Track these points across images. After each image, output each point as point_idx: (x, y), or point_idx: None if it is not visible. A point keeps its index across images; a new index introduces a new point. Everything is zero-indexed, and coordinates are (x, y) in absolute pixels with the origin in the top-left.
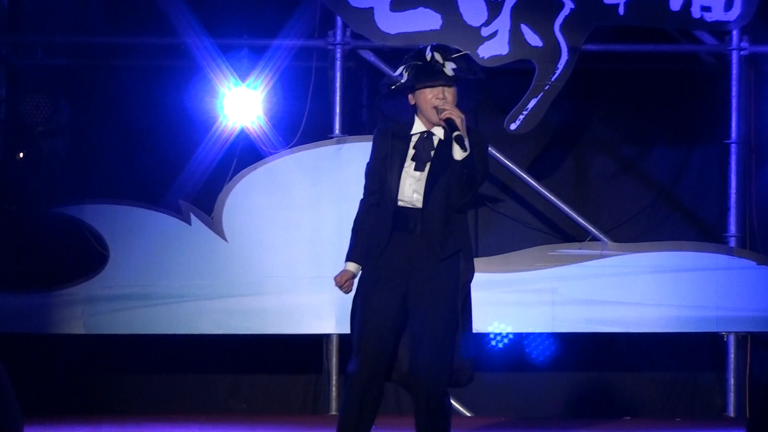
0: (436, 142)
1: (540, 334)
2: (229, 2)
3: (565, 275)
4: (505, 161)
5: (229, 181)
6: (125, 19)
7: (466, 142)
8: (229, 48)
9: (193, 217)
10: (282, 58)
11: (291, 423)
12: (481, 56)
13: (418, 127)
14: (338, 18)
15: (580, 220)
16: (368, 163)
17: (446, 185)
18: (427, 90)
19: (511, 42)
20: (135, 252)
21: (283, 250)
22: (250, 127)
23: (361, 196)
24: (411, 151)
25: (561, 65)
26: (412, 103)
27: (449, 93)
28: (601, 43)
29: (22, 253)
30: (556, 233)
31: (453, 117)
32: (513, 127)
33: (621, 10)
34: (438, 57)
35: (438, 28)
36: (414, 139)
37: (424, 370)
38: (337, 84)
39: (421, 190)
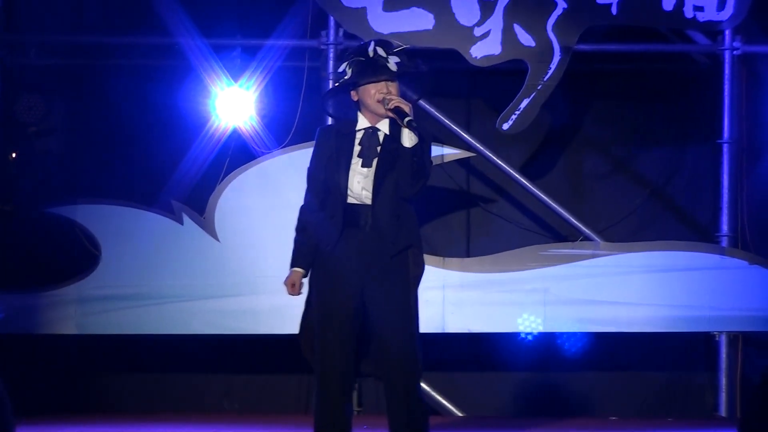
0: (381, 138)
1: (532, 334)
2: (221, 2)
3: (557, 275)
4: (498, 161)
5: (222, 181)
6: (118, 20)
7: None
8: (222, 48)
9: (185, 217)
10: (275, 58)
11: (283, 423)
12: (473, 56)
13: (363, 123)
14: (331, 18)
15: (573, 219)
16: (309, 167)
17: (395, 180)
18: (371, 85)
19: (503, 42)
20: (127, 252)
21: (275, 249)
22: (242, 127)
23: (302, 203)
24: (357, 148)
25: (553, 65)
26: (355, 99)
27: (393, 87)
28: (594, 42)
29: (14, 253)
30: (548, 233)
31: (401, 105)
32: (505, 127)
33: (614, 10)
34: (381, 52)
35: (431, 27)
36: (359, 135)
37: (397, 367)
38: (330, 84)
39: (370, 187)
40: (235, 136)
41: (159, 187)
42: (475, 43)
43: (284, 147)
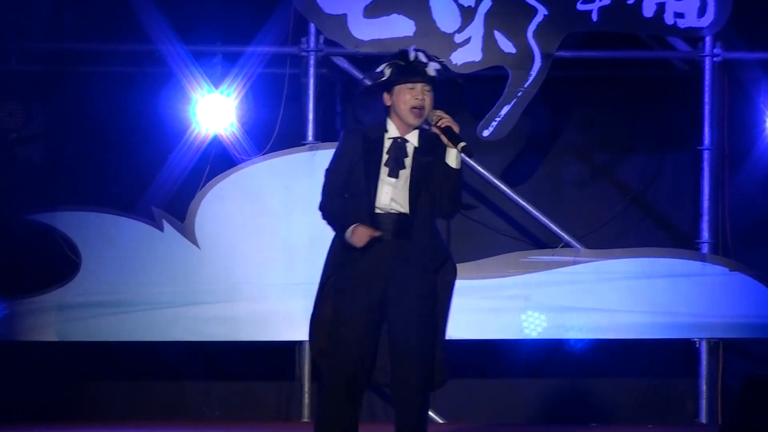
0: (410, 150)
1: (512, 341)
2: (202, 9)
3: (538, 282)
4: (478, 168)
5: (202, 187)
6: (99, 26)
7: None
8: (203, 55)
9: (165, 224)
10: (255, 64)
11: (264, 429)
12: (454, 63)
13: (392, 131)
14: (311, 25)
15: (553, 226)
16: (329, 168)
17: (430, 194)
18: (406, 90)
19: (484, 48)
20: (107, 259)
21: (255, 256)
22: (223, 134)
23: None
24: (384, 157)
25: (534, 72)
26: (388, 104)
27: (428, 96)
28: (574, 49)
29: None
30: (528, 240)
31: (453, 126)
32: (486, 133)
33: (594, 17)
34: (422, 57)
35: (411, 34)
36: (387, 144)
37: (416, 374)
38: (311, 91)
39: (399, 198)
40: (216, 143)
41: (139, 193)
42: (455, 50)
43: (265, 154)
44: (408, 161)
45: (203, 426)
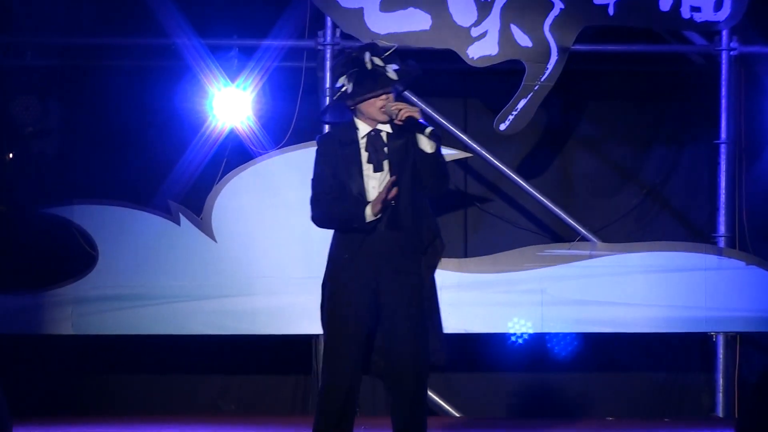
0: (385, 138)
1: (528, 335)
2: (218, 2)
3: (555, 275)
4: (494, 161)
5: (219, 181)
6: (114, 20)
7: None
8: (219, 48)
9: (182, 218)
10: (272, 58)
11: (280, 424)
12: (470, 56)
13: (363, 128)
14: (328, 18)
15: (569, 220)
16: (313, 177)
17: (409, 177)
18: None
19: (500, 42)
20: (124, 252)
21: (272, 250)
22: (239, 128)
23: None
24: (364, 155)
25: (550, 65)
26: (352, 108)
27: (391, 94)
28: (590, 43)
29: (10, 254)
30: (545, 233)
31: (413, 114)
32: (502, 127)
33: (611, 11)
34: (378, 61)
35: (428, 28)
36: (363, 142)
37: (408, 363)
38: (327, 84)
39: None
40: (233, 136)
41: (156, 187)
42: (472, 44)
43: (281, 147)
44: (387, 150)
45: (219, 420)
